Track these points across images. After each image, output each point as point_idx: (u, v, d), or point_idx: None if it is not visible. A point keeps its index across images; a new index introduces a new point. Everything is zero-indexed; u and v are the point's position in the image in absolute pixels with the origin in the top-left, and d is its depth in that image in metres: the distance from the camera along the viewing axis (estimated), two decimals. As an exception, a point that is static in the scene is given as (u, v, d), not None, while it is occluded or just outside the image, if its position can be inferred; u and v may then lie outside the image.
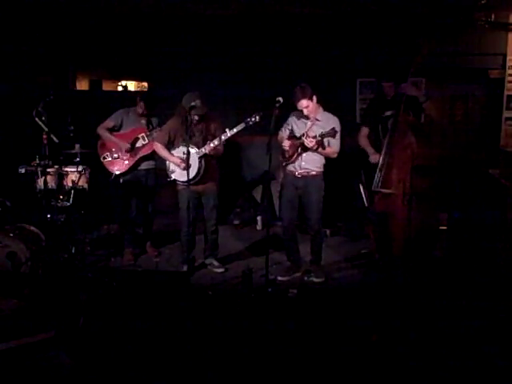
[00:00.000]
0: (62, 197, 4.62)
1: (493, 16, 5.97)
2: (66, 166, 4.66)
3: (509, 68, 6.20)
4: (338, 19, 6.26)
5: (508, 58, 6.19)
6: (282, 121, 4.51)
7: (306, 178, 4.45)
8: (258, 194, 6.85)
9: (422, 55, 4.36)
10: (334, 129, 4.22)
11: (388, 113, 4.54)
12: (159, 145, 4.62)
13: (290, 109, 4.46)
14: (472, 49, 6.28)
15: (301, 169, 4.44)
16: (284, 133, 4.55)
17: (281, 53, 6.53)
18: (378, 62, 6.10)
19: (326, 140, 4.31)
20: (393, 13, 6.05)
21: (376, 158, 4.52)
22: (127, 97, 5.12)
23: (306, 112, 4.33)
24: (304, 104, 4.28)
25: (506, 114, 6.28)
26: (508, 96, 6.26)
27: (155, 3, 5.87)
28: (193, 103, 4.26)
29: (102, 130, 4.94)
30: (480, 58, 6.33)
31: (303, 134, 4.33)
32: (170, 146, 4.62)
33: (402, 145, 4.34)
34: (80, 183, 4.64)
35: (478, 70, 6.42)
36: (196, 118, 4.42)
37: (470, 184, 5.84)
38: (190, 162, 4.32)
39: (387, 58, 5.91)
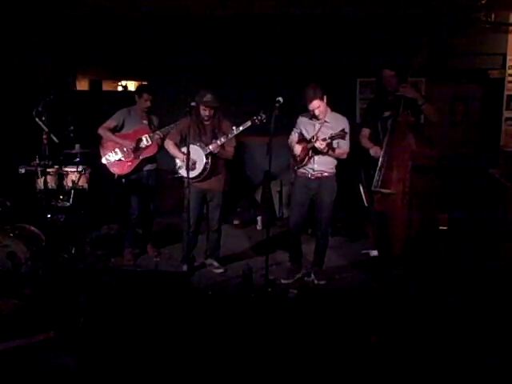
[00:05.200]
0: (61, 197, 4.61)
1: (493, 16, 5.98)
2: (66, 166, 4.65)
3: (509, 68, 6.21)
4: (337, 19, 6.27)
5: (508, 57, 6.20)
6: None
7: (320, 179, 4.41)
8: (258, 194, 6.86)
9: (422, 55, 4.36)
10: (343, 130, 4.18)
11: (387, 113, 4.53)
12: (170, 142, 4.64)
13: (294, 111, 4.41)
14: (472, 49, 6.28)
15: (314, 171, 4.39)
16: (294, 136, 4.53)
17: (281, 53, 6.53)
18: (378, 62, 6.10)
19: (335, 142, 4.28)
20: (393, 13, 6.05)
21: (377, 150, 4.50)
22: (127, 97, 5.10)
23: (317, 112, 4.27)
24: (316, 105, 4.22)
25: (506, 114, 6.28)
26: (508, 96, 6.27)
27: (155, 3, 5.87)
28: (205, 98, 4.36)
29: (103, 131, 4.86)
30: (480, 57, 6.33)
31: (313, 137, 4.30)
32: (181, 145, 4.64)
33: (401, 145, 4.33)
34: (80, 183, 4.63)
35: (477, 70, 6.42)
36: (207, 113, 4.45)
37: (470, 184, 5.85)
38: (196, 160, 4.44)
39: (387, 58, 5.92)
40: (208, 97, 4.38)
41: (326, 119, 4.33)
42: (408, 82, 4.40)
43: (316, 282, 4.55)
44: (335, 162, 4.44)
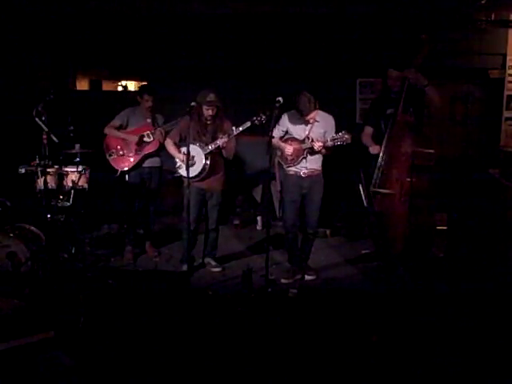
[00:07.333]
0: (62, 197, 4.61)
1: (493, 16, 5.98)
2: (66, 166, 4.66)
3: (509, 68, 6.21)
4: (338, 19, 6.26)
5: (508, 58, 6.19)
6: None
7: (311, 177, 4.45)
8: (257, 194, 6.85)
9: (422, 54, 4.36)
10: (344, 133, 4.17)
11: (390, 110, 4.53)
12: (170, 141, 4.67)
13: (283, 109, 4.35)
14: (472, 49, 6.28)
15: (307, 169, 4.43)
16: (277, 134, 4.47)
17: (281, 53, 6.53)
18: (378, 61, 6.09)
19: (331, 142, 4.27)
20: (393, 13, 6.05)
21: (376, 149, 4.51)
22: (127, 97, 5.11)
23: (311, 121, 4.32)
24: (313, 115, 4.29)
25: (506, 114, 6.28)
26: (508, 96, 6.27)
27: (155, 3, 5.87)
28: (208, 98, 4.37)
29: (109, 129, 4.99)
30: (480, 57, 6.33)
31: (308, 138, 4.33)
32: (181, 144, 4.67)
33: (400, 145, 4.33)
34: (80, 183, 4.63)
35: (478, 70, 6.42)
36: (210, 112, 4.46)
37: (470, 184, 5.84)
38: (196, 159, 4.47)
39: (387, 58, 5.91)
40: (211, 96, 4.40)
41: (316, 119, 4.36)
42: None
43: (306, 276, 4.58)
44: (322, 159, 4.49)
